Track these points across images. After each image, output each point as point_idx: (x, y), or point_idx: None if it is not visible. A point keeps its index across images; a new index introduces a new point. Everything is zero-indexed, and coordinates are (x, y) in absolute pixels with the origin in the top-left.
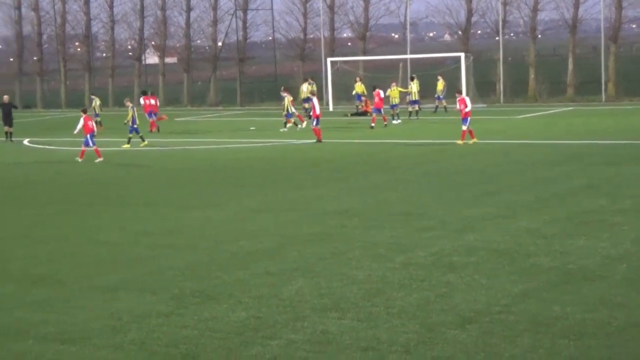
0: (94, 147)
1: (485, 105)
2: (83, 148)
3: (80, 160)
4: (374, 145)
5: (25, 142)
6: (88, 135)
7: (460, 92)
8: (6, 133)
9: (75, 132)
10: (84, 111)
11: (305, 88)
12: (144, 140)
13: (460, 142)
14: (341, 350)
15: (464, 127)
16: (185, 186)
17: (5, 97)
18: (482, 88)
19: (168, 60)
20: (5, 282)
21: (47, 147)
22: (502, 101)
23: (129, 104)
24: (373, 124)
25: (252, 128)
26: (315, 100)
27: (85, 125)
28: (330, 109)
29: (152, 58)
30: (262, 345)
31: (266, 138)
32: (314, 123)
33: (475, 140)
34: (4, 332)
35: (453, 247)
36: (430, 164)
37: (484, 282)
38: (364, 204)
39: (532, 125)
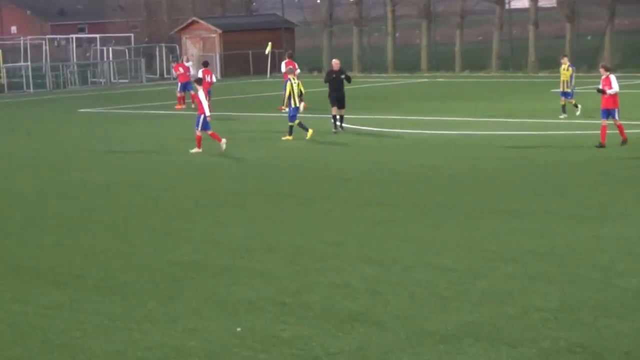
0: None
1: None
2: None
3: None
4: None
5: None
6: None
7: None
8: (334, 117)
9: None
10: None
11: None
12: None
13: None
14: None
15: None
16: (552, 188)
17: (335, 63)
18: None
19: (544, 3)
20: (318, 318)
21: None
22: None
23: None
24: None
25: None
26: None
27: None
28: None
29: (520, 1)
30: None
31: None
32: None
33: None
34: None
35: None
36: None
37: None
38: None
39: None
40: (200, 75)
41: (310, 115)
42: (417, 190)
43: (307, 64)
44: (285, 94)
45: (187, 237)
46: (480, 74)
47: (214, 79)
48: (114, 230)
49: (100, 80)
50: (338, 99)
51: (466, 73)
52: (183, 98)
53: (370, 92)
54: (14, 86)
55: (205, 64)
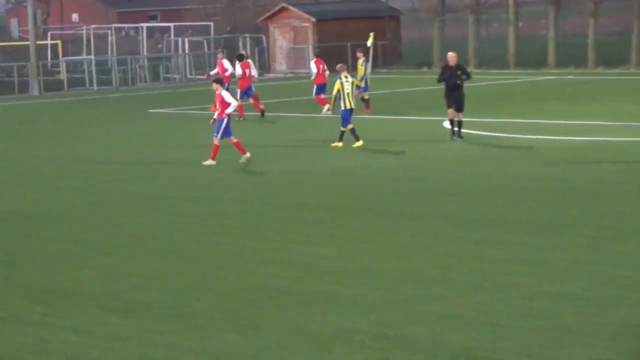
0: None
1: None
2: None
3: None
4: None
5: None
6: None
7: None
8: (451, 122)
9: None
10: None
11: None
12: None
13: None
14: None
15: None
16: None
17: (451, 56)
18: None
19: None
20: (427, 354)
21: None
22: None
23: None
24: None
25: None
26: None
27: None
28: None
29: None
30: None
31: None
32: None
33: None
34: None
35: None
36: None
37: None
38: None
39: None
40: (236, 70)
41: (417, 118)
42: (533, 207)
43: (414, 59)
44: (332, 95)
45: (268, 258)
46: (617, 70)
47: (255, 73)
48: (182, 249)
49: (174, 76)
50: (455, 99)
51: (600, 69)
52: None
53: (487, 91)
54: (75, 83)
55: (241, 57)
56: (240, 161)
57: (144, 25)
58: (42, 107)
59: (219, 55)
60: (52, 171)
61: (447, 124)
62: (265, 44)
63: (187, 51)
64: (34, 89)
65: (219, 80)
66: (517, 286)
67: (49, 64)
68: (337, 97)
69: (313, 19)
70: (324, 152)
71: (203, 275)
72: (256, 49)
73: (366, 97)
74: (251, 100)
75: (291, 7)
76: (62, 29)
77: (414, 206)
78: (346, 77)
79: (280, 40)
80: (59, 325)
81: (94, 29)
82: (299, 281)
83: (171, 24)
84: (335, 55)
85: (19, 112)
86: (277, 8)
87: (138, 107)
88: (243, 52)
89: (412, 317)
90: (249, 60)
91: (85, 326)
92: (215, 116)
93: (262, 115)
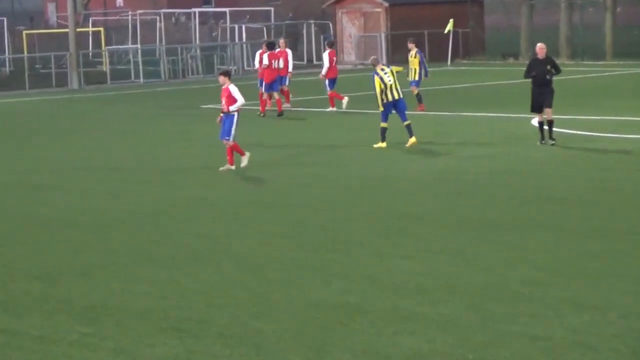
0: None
1: None
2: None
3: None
4: None
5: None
6: None
7: None
8: (540, 125)
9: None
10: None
11: None
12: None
13: None
14: None
15: None
16: None
17: (540, 48)
18: None
19: None
20: None
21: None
22: None
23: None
24: None
25: None
26: None
27: None
28: None
29: None
30: None
31: None
32: None
33: None
34: None
35: None
36: None
37: None
38: None
39: None
40: (263, 59)
41: (503, 114)
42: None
43: (499, 48)
44: (377, 94)
45: (338, 271)
46: None
47: (290, 66)
48: (244, 262)
49: (231, 67)
50: (543, 97)
51: None
52: (282, 97)
53: (581, 85)
54: (120, 75)
55: (271, 46)
56: (242, 165)
57: (197, 10)
58: (83, 102)
59: (281, 43)
60: (97, 175)
61: (535, 122)
62: (332, 32)
63: (244, 40)
64: (74, 82)
65: (228, 73)
66: (618, 304)
67: (90, 54)
68: (382, 92)
69: (386, 4)
70: (400, 154)
71: (265, 290)
72: (322, 37)
73: (415, 92)
74: (276, 96)
75: None
76: (105, 14)
77: (505, 214)
78: (382, 69)
79: (349, 27)
80: (99, 346)
81: (141, 14)
82: (370, 298)
83: (227, 9)
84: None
85: (58, 108)
86: None
87: (190, 103)
88: (276, 40)
89: (495, 337)
90: (288, 50)
91: (129, 348)
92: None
93: (279, 114)
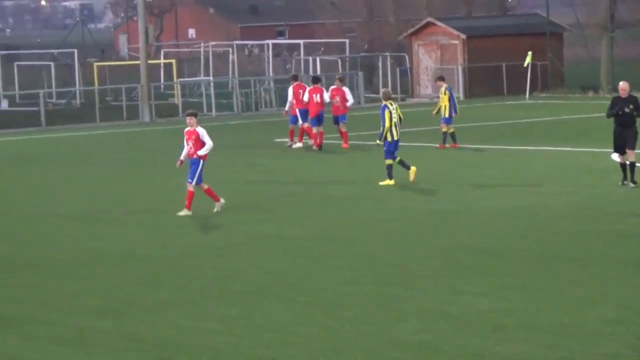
0: None
1: None
2: None
3: None
4: None
5: None
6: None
7: None
8: (623, 166)
9: None
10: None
11: None
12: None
13: None
14: None
15: None
16: None
17: (623, 87)
18: None
19: None
20: None
21: None
22: None
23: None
24: None
25: None
26: None
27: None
28: None
29: None
30: None
31: None
32: None
33: None
34: None
35: None
36: None
37: None
38: None
39: None
40: (289, 94)
41: (582, 149)
42: None
43: (578, 81)
44: (385, 127)
45: (412, 308)
46: None
47: (326, 98)
48: (314, 299)
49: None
50: (625, 138)
51: None
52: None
53: None
54: (192, 107)
55: (296, 78)
56: (214, 210)
57: (270, 42)
58: (154, 135)
59: (336, 83)
60: (168, 208)
61: (614, 157)
62: (408, 64)
63: (319, 72)
64: (145, 115)
65: (196, 115)
66: None
67: (162, 86)
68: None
69: (463, 36)
70: (477, 189)
71: (356, 329)
72: (397, 70)
73: (451, 130)
74: (314, 130)
75: (438, 22)
76: (177, 46)
77: (583, 250)
78: (391, 104)
79: (425, 59)
80: None
81: (213, 46)
82: (446, 336)
83: (301, 41)
84: (487, 77)
85: (129, 140)
86: (422, 23)
87: (263, 136)
88: (318, 75)
89: None
90: (345, 88)
91: None
92: (182, 157)
93: (319, 148)
